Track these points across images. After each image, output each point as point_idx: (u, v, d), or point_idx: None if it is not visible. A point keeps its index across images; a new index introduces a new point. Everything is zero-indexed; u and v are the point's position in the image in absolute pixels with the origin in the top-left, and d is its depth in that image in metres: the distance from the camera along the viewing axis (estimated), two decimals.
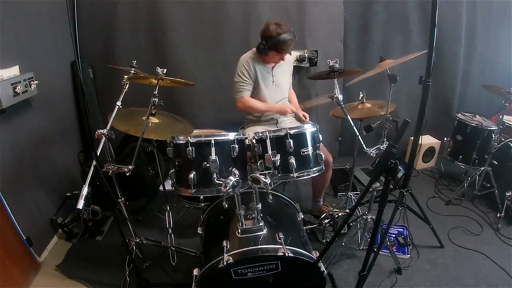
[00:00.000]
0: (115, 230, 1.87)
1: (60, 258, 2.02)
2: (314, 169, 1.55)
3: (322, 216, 2.06)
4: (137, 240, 1.82)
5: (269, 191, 1.48)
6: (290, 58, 2.22)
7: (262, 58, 2.05)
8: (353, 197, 2.42)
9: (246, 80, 2.05)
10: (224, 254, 1.26)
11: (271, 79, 2.11)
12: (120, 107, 1.57)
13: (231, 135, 1.49)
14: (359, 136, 1.69)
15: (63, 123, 2.44)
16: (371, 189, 1.80)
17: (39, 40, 2.14)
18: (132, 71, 1.82)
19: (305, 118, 2.13)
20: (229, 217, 1.52)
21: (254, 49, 2.04)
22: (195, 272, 1.36)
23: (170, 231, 2.04)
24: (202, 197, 2.08)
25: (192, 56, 2.81)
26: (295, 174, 1.50)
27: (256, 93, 2.12)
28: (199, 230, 1.63)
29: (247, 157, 1.61)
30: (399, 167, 1.03)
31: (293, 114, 2.19)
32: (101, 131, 1.46)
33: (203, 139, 1.46)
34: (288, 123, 2.21)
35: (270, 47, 1.91)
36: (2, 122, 1.77)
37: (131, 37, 2.71)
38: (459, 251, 2.05)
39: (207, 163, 1.41)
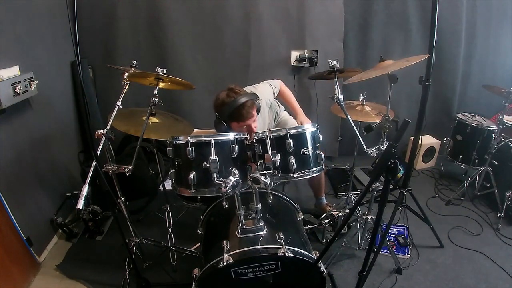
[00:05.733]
0: (115, 230, 1.88)
1: (60, 258, 2.02)
2: (314, 169, 1.55)
3: (322, 216, 2.06)
4: (137, 240, 1.82)
5: (269, 191, 1.48)
6: (266, 96, 1.93)
7: None
8: (353, 197, 2.41)
9: None
10: (224, 254, 1.25)
11: None
12: (120, 107, 1.56)
13: (231, 135, 1.49)
14: (359, 136, 1.69)
15: (63, 123, 2.44)
16: (371, 189, 1.80)
17: (39, 40, 2.14)
18: (132, 71, 1.82)
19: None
20: (229, 217, 1.52)
21: None
22: (195, 272, 1.36)
23: (170, 231, 2.04)
24: (199, 197, 2.07)
25: (192, 56, 2.81)
26: (295, 174, 1.49)
27: None
28: (199, 230, 1.63)
29: (247, 157, 1.61)
30: (399, 167, 1.03)
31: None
32: (101, 131, 1.45)
33: (203, 139, 1.46)
34: None
35: (227, 117, 1.64)
36: (2, 122, 1.77)
37: (131, 37, 2.71)
38: (459, 251, 2.05)
39: (207, 163, 1.41)
